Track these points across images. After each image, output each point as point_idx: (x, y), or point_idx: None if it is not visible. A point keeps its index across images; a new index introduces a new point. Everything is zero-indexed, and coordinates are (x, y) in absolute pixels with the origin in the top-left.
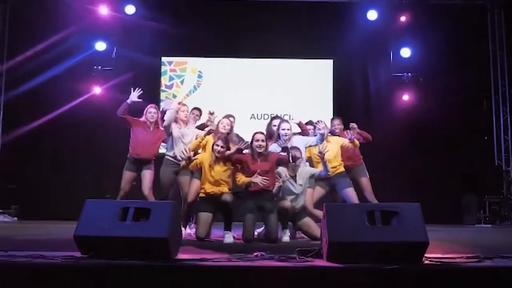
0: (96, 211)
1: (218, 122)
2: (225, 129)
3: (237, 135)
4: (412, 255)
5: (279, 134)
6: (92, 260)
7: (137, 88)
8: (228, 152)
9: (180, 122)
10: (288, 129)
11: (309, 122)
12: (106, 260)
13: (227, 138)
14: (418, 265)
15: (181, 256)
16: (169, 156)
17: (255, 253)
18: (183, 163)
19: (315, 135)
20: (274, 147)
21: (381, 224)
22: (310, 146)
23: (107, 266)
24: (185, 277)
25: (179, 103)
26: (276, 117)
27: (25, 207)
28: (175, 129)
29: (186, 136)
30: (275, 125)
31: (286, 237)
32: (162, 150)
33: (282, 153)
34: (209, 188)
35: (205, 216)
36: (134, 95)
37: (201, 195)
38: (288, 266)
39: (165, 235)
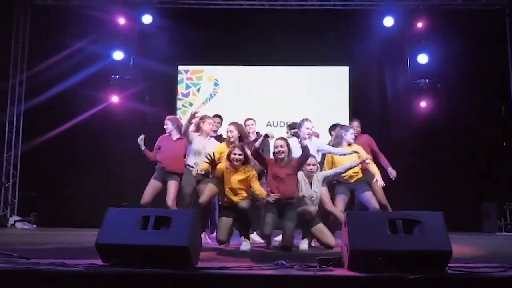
0: (118, 219)
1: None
2: (228, 135)
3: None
4: (435, 264)
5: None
6: (113, 268)
7: (141, 135)
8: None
9: (204, 134)
10: (311, 128)
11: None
12: (127, 268)
13: (243, 145)
14: (442, 274)
15: (201, 264)
16: (191, 165)
17: (276, 262)
18: (202, 166)
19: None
20: (295, 144)
21: (403, 233)
22: (323, 151)
23: (128, 274)
24: (206, 286)
25: (195, 114)
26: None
27: (44, 215)
28: (197, 139)
29: (208, 147)
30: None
31: (304, 245)
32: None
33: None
34: (227, 197)
35: (225, 220)
36: (140, 140)
37: (221, 203)
38: (308, 275)
39: (186, 243)
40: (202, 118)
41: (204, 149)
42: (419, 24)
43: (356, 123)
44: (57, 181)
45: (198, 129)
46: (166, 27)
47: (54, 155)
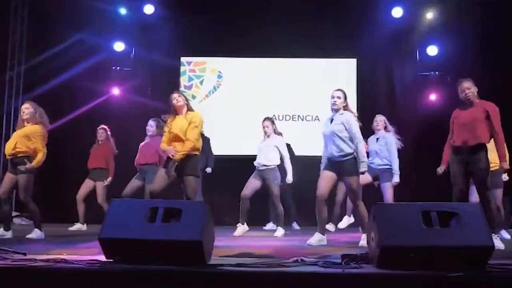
0: (123, 212)
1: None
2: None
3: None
4: (474, 261)
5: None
6: (118, 265)
7: None
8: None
9: None
10: (338, 97)
11: None
12: (134, 265)
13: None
14: (483, 272)
15: (214, 261)
16: None
17: (293, 258)
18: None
19: None
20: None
21: (439, 226)
22: None
23: (135, 272)
24: (221, 285)
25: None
26: None
27: (43, 210)
28: None
29: None
30: None
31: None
32: None
33: None
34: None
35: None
36: None
37: None
38: (335, 273)
39: (199, 237)
40: None
41: None
42: (429, 15)
43: (379, 118)
44: (57, 175)
45: None
46: (168, 18)
47: (53, 149)
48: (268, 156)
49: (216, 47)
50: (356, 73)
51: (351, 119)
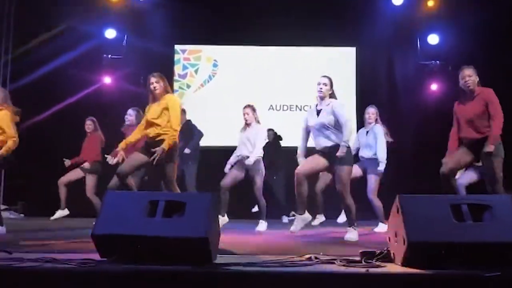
0: (119, 205)
1: None
2: None
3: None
4: (510, 259)
5: None
6: (115, 265)
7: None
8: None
9: None
10: (324, 84)
11: None
12: (132, 265)
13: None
14: None
15: (220, 260)
16: None
17: (308, 256)
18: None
19: None
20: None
21: (471, 221)
22: None
23: (133, 272)
24: (230, 286)
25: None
26: None
27: (32, 204)
28: None
29: None
30: None
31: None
32: None
33: None
34: None
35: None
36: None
37: None
38: (358, 273)
39: (205, 234)
40: None
41: None
42: (430, 3)
43: (372, 110)
44: (46, 167)
45: None
46: (162, 3)
47: (42, 140)
48: (250, 148)
49: (212, 34)
50: (355, 62)
51: (338, 107)
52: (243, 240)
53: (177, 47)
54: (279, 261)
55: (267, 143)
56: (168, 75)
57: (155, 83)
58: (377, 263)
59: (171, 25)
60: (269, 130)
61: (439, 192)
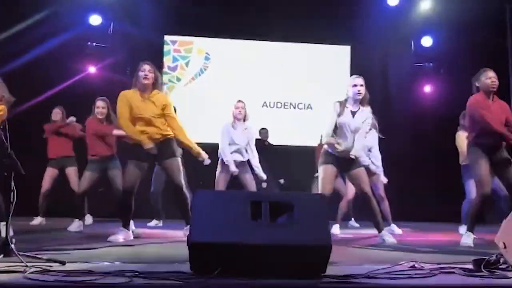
0: (215, 207)
1: None
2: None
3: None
4: None
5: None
6: (215, 279)
7: None
8: None
9: None
10: (361, 85)
11: None
12: (244, 280)
13: None
14: None
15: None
16: None
17: (406, 263)
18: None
19: None
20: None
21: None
22: None
23: None
24: None
25: None
26: None
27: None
28: None
29: None
30: None
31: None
32: None
33: None
34: None
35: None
36: None
37: None
38: (501, 284)
39: (329, 242)
40: None
41: None
42: (425, 5)
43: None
44: (29, 162)
45: None
46: None
47: (24, 133)
48: (250, 152)
49: (204, 26)
50: (350, 61)
51: (369, 118)
52: None
53: (167, 37)
54: (386, 271)
55: (262, 143)
56: (157, 67)
57: (149, 72)
58: (499, 273)
59: (161, 14)
60: (262, 129)
61: (433, 191)
